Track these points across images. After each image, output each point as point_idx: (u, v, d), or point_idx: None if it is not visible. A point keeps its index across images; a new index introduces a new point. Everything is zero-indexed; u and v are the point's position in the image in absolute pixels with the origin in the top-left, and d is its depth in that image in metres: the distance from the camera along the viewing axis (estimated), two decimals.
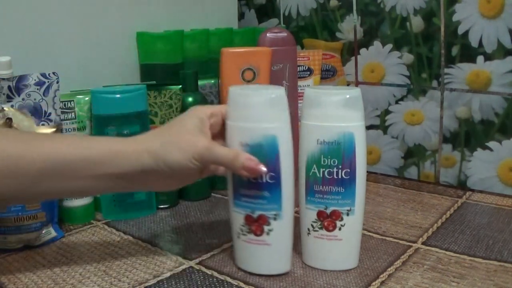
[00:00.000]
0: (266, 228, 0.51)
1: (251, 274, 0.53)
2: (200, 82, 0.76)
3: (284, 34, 0.79)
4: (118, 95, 0.67)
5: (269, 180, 0.50)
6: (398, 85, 0.82)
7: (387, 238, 0.61)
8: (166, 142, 0.49)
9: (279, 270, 0.53)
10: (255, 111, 0.49)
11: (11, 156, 0.45)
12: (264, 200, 0.50)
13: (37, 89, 0.60)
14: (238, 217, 0.52)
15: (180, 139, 0.49)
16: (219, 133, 0.53)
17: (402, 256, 0.56)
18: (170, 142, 0.49)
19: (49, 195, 0.53)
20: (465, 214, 0.68)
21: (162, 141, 0.49)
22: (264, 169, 0.49)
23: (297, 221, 0.54)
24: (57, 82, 0.62)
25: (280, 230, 0.51)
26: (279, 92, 0.50)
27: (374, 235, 0.62)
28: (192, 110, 0.52)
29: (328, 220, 0.52)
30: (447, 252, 0.57)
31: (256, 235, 0.52)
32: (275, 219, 0.51)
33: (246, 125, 0.50)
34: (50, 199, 0.60)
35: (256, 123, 0.49)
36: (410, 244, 0.59)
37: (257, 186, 0.50)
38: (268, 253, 0.52)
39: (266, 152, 0.49)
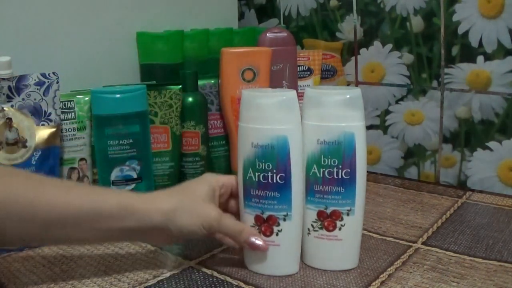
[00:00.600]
0: (275, 228, 0.51)
1: (261, 275, 0.53)
2: (200, 82, 0.76)
3: (284, 34, 0.79)
4: (118, 95, 0.66)
5: (279, 181, 0.50)
6: (398, 85, 0.82)
7: (387, 238, 0.61)
8: (179, 205, 0.50)
9: (288, 271, 0.53)
10: (267, 113, 0.50)
11: (20, 203, 0.45)
12: (274, 201, 0.51)
13: (37, 89, 0.60)
14: (248, 218, 0.53)
15: (193, 205, 0.50)
16: (226, 203, 0.55)
17: (402, 256, 0.56)
18: (182, 207, 0.50)
19: (58, 242, 0.55)
20: (465, 214, 0.68)
21: (175, 204, 0.50)
22: (262, 245, 0.51)
23: None
24: (57, 82, 0.62)
25: (289, 231, 0.52)
26: (290, 94, 0.50)
27: (374, 235, 0.62)
28: (205, 177, 0.54)
29: (328, 220, 0.52)
30: (447, 252, 0.57)
31: (266, 235, 0.52)
32: (284, 219, 0.51)
33: (258, 127, 0.50)
34: (62, 245, 0.60)
35: (268, 124, 0.50)
36: (410, 244, 0.59)
37: (268, 187, 0.51)
38: (277, 253, 0.52)
39: (277, 152, 0.50)
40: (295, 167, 0.50)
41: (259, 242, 0.51)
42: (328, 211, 0.52)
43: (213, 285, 0.51)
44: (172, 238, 0.51)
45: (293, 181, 0.50)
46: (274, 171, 0.50)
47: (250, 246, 0.52)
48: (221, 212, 0.51)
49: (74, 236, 0.49)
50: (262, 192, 0.51)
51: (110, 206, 0.48)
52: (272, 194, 0.51)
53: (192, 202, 0.51)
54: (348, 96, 0.51)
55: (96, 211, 0.47)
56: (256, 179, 0.51)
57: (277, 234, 0.52)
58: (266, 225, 0.52)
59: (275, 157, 0.50)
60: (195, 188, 0.52)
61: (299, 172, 0.51)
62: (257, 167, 0.51)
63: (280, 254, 0.52)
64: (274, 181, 0.50)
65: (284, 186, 0.50)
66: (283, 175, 0.50)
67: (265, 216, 0.51)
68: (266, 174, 0.50)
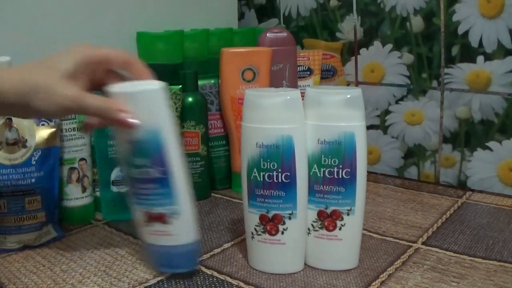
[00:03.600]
0: (281, 227, 0.52)
1: (260, 275, 0.53)
2: (200, 82, 0.76)
3: (284, 34, 0.79)
4: None
5: (284, 180, 0.50)
6: (398, 85, 0.82)
7: (387, 238, 0.61)
8: (33, 85, 0.44)
9: (294, 269, 0.53)
10: (272, 113, 0.50)
11: None
12: (279, 200, 0.51)
13: None
14: (252, 217, 0.53)
15: (48, 85, 0.45)
16: (104, 79, 0.50)
17: (402, 256, 0.56)
18: (36, 86, 0.44)
19: None
20: (465, 214, 0.68)
21: (30, 84, 0.44)
22: (134, 121, 0.47)
23: None
24: None
25: (294, 229, 0.52)
26: (294, 94, 0.50)
27: (374, 235, 0.62)
28: (75, 49, 0.47)
29: (329, 220, 0.52)
30: (447, 252, 0.57)
31: (271, 234, 0.52)
32: (290, 218, 0.51)
33: (262, 126, 0.50)
34: None
35: (273, 124, 0.50)
36: (410, 244, 0.59)
37: (273, 186, 0.51)
38: (283, 252, 0.52)
39: (282, 152, 0.50)
40: (300, 166, 0.50)
41: (131, 119, 0.46)
42: (328, 211, 0.52)
43: (213, 285, 0.51)
44: (37, 116, 0.47)
45: (298, 179, 0.51)
46: (279, 170, 0.50)
47: (120, 124, 0.47)
48: (82, 92, 0.46)
49: None
50: (267, 191, 0.51)
51: None
52: (278, 193, 0.51)
53: (48, 82, 0.45)
54: (348, 96, 0.51)
55: None
56: (261, 179, 0.51)
57: (282, 233, 0.52)
58: (271, 224, 0.52)
59: (280, 156, 0.50)
60: (55, 64, 0.46)
61: (303, 170, 0.51)
62: (262, 166, 0.51)
63: (286, 252, 0.53)
64: (279, 180, 0.50)
65: (289, 185, 0.50)
66: (288, 174, 0.50)
67: (270, 215, 0.52)
68: (271, 174, 0.50)
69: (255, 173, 0.51)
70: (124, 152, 0.50)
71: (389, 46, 0.82)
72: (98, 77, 0.49)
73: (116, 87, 0.49)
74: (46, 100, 0.45)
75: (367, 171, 0.53)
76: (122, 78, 0.51)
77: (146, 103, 0.48)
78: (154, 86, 0.49)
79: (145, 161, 0.49)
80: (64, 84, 0.45)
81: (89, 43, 0.50)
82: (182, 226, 0.51)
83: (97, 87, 0.50)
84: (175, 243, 0.51)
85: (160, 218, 0.50)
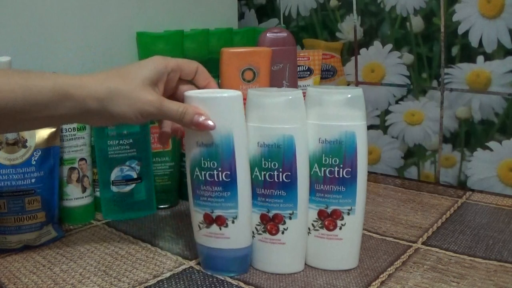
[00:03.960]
0: (281, 227, 0.52)
1: (261, 275, 0.53)
2: None
3: (284, 34, 0.79)
4: None
5: (285, 180, 0.50)
6: (398, 85, 0.82)
7: (387, 238, 0.61)
8: (115, 92, 0.47)
9: (294, 269, 0.53)
10: (273, 112, 0.50)
11: None
12: (280, 200, 0.51)
13: None
14: (253, 217, 0.53)
15: (130, 92, 0.47)
16: (176, 87, 0.53)
17: (402, 256, 0.56)
18: (118, 93, 0.47)
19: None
20: (465, 214, 0.68)
21: (111, 90, 0.47)
22: (211, 124, 0.49)
23: None
24: None
25: (295, 229, 0.52)
26: (296, 94, 0.50)
27: (374, 235, 0.62)
28: (152, 60, 0.50)
29: (329, 220, 0.52)
30: (447, 252, 0.57)
31: (272, 234, 0.52)
32: (290, 218, 0.51)
33: (264, 126, 0.50)
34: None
35: (274, 124, 0.50)
36: (410, 244, 0.59)
37: (274, 186, 0.51)
38: (283, 252, 0.52)
39: (283, 151, 0.50)
40: (301, 166, 0.51)
41: (208, 121, 0.49)
42: (329, 210, 0.52)
43: (213, 285, 0.51)
44: (112, 122, 0.49)
45: (299, 179, 0.51)
46: (280, 170, 0.50)
47: (198, 127, 0.49)
48: (161, 97, 0.49)
49: (11, 126, 0.47)
50: (268, 191, 0.51)
51: (44, 95, 0.45)
52: (278, 192, 0.51)
53: (129, 88, 0.47)
54: (349, 96, 0.51)
55: (31, 101, 0.44)
56: (262, 178, 0.51)
57: (282, 233, 0.52)
58: (272, 223, 0.52)
59: (281, 156, 0.50)
60: (136, 72, 0.49)
61: (304, 170, 0.51)
62: (263, 166, 0.51)
63: (286, 253, 0.53)
64: (280, 180, 0.50)
65: (290, 185, 0.51)
66: (289, 173, 0.50)
67: (270, 214, 0.52)
68: (272, 173, 0.51)
69: (256, 172, 0.51)
70: (194, 155, 0.51)
71: (389, 46, 0.82)
72: (171, 85, 0.52)
73: (193, 93, 0.51)
74: (127, 105, 0.47)
75: (367, 171, 0.53)
76: (192, 87, 0.54)
77: (222, 108, 0.50)
78: (231, 93, 0.50)
79: (214, 164, 0.50)
80: (145, 90, 0.48)
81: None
82: (238, 230, 0.51)
83: (169, 95, 0.52)
84: (229, 247, 0.52)
85: (219, 221, 0.51)
